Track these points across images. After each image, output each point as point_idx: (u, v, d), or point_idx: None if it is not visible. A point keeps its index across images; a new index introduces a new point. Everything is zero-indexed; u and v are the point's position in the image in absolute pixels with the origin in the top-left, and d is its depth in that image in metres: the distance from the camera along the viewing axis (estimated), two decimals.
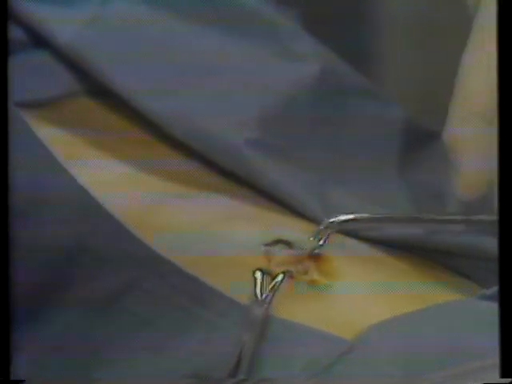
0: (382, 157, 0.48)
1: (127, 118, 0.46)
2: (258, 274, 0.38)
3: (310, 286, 0.39)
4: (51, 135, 0.44)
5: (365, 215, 0.42)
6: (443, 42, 0.75)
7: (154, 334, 0.39)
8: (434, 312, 0.38)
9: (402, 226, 0.43)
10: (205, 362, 0.37)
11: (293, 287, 0.39)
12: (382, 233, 0.43)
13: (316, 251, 0.40)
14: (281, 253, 0.39)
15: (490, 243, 0.43)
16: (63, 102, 0.47)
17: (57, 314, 0.39)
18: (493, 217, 0.42)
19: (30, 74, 0.45)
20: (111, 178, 0.45)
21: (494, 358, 0.34)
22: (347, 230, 0.42)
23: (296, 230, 0.41)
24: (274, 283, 0.38)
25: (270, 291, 0.38)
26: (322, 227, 0.41)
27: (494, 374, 0.34)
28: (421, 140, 0.50)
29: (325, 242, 0.40)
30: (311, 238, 0.40)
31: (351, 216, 0.41)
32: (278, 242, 0.40)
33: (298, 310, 0.39)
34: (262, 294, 0.38)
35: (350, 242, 0.42)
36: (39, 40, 0.47)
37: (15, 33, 0.46)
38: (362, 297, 0.40)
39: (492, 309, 0.38)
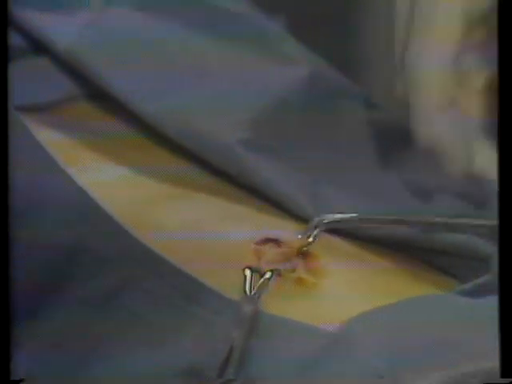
0: (369, 156, 0.49)
1: (124, 122, 0.47)
2: (248, 272, 0.38)
3: (297, 283, 0.41)
4: (50, 138, 0.44)
5: (353, 215, 0.42)
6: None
7: (150, 331, 0.40)
8: (413, 304, 0.38)
9: (389, 226, 0.44)
10: (200, 359, 0.38)
11: (281, 284, 0.40)
12: (370, 232, 0.43)
13: (304, 249, 0.41)
14: (270, 251, 0.40)
15: (475, 243, 0.43)
16: (62, 106, 0.47)
17: (56, 312, 0.40)
18: (479, 220, 0.44)
19: (29, 79, 0.46)
20: (109, 180, 0.45)
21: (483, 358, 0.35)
22: (336, 229, 0.43)
23: (286, 229, 0.42)
24: (262, 281, 0.38)
25: (258, 288, 0.38)
26: (310, 226, 0.41)
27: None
28: (406, 139, 0.51)
29: (314, 240, 0.41)
30: (300, 236, 0.41)
31: (339, 215, 0.42)
32: (267, 240, 0.41)
33: (286, 305, 0.40)
34: (251, 291, 0.39)
35: (339, 240, 0.43)
36: (39, 46, 0.48)
37: (16, 39, 0.47)
38: (347, 293, 0.42)
39: (470, 304, 0.39)
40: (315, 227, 0.41)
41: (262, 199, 0.44)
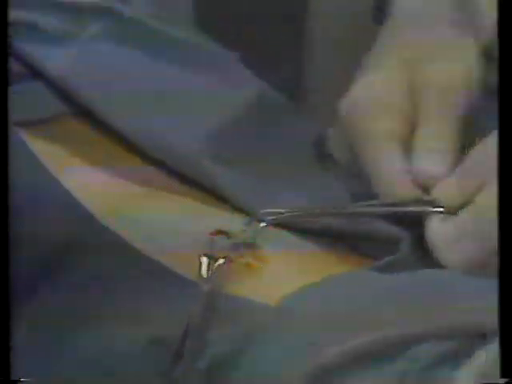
0: (307, 162, 0.56)
1: (103, 134, 0.53)
2: (204, 259, 0.45)
3: (245, 267, 0.47)
4: (43, 148, 0.51)
5: (289, 210, 0.48)
6: None
7: (127, 309, 0.46)
8: (338, 280, 0.44)
9: (321, 218, 0.49)
10: (165, 331, 0.44)
11: (232, 268, 0.46)
12: (306, 223, 0.49)
13: (250, 239, 0.48)
14: (222, 241, 0.47)
15: (389, 228, 0.48)
16: (53, 122, 0.54)
17: (48, 295, 0.46)
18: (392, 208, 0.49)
19: (26, 99, 0.53)
20: (91, 182, 0.52)
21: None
22: (278, 222, 0.49)
23: (236, 222, 0.48)
24: (216, 265, 0.45)
25: (213, 272, 0.45)
26: (256, 220, 0.48)
27: None
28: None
29: (258, 231, 0.47)
30: (244, 229, 0.47)
31: (278, 211, 0.48)
32: (220, 232, 0.47)
33: (236, 286, 0.46)
34: (207, 275, 0.46)
35: (280, 231, 0.49)
36: (35, 73, 0.54)
37: (15, 66, 0.53)
38: (286, 274, 0.47)
39: (382, 277, 0.45)
40: (260, 221, 0.48)
41: (217, 198, 0.50)
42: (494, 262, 0.42)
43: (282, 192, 0.50)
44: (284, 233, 0.48)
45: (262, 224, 0.46)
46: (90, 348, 0.44)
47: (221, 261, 0.45)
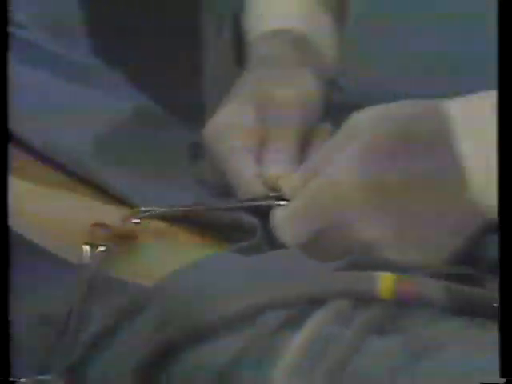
0: (182, 165, 0.62)
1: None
2: (87, 246, 0.51)
3: (124, 253, 0.53)
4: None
5: (166, 206, 0.55)
6: None
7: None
8: (207, 261, 0.51)
9: (193, 212, 0.56)
10: (52, 309, 0.50)
11: (113, 254, 0.52)
12: (181, 217, 0.56)
13: (129, 229, 0.53)
14: (103, 231, 0.52)
15: (247, 219, 0.56)
16: None
17: None
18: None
19: None
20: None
21: None
22: (155, 217, 0.55)
23: (118, 215, 0.54)
24: (97, 251, 0.50)
25: (95, 257, 0.51)
26: (134, 213, 0.54)
27: None
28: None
29: (136, 223, 0.53)
30: (124, 221, 0.53)
31: (154, 208, 0.54)
32: (101, 224, 0.52)
33: (116, 270, 0.51)
34: (90, 260, 0.51)
35: (157, 223, 0.55)
36: None
37: None
38: (162, 259, 0.53)
39: (243, 259, 0.51)
40: (137, 214, 0.54)
41: (103, 194, 0.57)
42: (325, 240, 0.51)
43: (160, 190, 0.57)
44: (162, 224, 0.55)
45: (138, 219, 0.52)
46: None
47: (101, 248, 0.50)
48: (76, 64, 0.64)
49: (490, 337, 0.43)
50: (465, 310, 0.45)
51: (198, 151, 0.60)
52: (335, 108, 0.58)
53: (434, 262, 0.50)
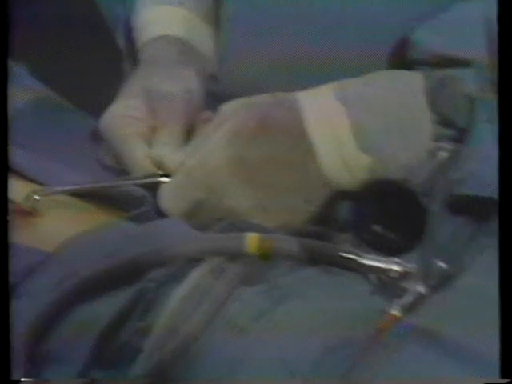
0: (83, 148, 0.68)
1: None
2: None
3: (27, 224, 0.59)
4: None
5: (69, 184, 0.61)
6: None
7: None
8: (101, 228, 0.57)
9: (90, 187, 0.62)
10: None
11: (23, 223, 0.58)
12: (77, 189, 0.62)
13: (33, 204, 0.59)
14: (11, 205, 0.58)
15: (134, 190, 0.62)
16: None
17: None
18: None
19: None
20: None
21: None
22: (57, 192, 0.61)
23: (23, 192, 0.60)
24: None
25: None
26: (36, 190, 0.60)
27: None
28: None
29: (36, 199, 0.59)
30: (29, 197, 0.59)
31: (54, 185, 0.61)
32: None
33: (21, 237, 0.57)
34: None
35: (66, 198, 0.61)
36: None
37: None
38: (62, 228, 0.59)
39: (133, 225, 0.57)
40: (42, 192, 0.60)
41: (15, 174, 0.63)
42: (201, 210, 0.59)
43: (63, 171, 0.63)
44: (64, 200, 0.61)
45: (41, 196, 0.59)
46: None
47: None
48: None
49: (337, 280, 0.52)
50: (317, 260, 0.53)
51: (97, 137, 0.66)
52: (214, 98, 0.66)
53: (293, 224, 0.58)
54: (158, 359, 0.48)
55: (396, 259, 0.50)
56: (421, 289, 0.48)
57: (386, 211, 0.52)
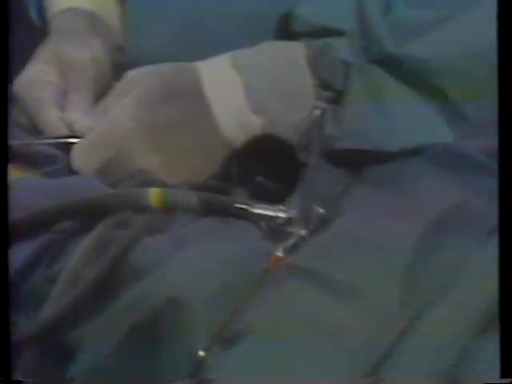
0: None
1: None
2: None
3: None
4: None
5: None
6: None
7: None
8: None
9: None
10: None
11: None
12: None
13: None
14: None
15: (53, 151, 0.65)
16: None
17: None
18: None
19: None
20: None
21: None
22: None
23: None
24: None
25: None
26: None
27: None
28: None
29: None
30: None
31: None
32: None
33: None
34: None
35: None
36: None
37: None
38: None
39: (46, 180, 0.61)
40: None
41: None
42: (112, 168, 0.62)
43: None
44: None
45: None
46: None
47: None
48: None
49: (231, 228, 0.56)
50: (213, 211, 0.58)
51: (12, 99, 0.68)
52: (122, 69, 0.69)
53: (196, 179, 0.62)
54: (64, 304, 0.52)
55: (281, 207, 0.56)
56: (302, 232, 0.54)
57: (267, 164, 0.57)
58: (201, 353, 0.48)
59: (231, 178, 0.62)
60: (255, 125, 0.59)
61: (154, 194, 0.57)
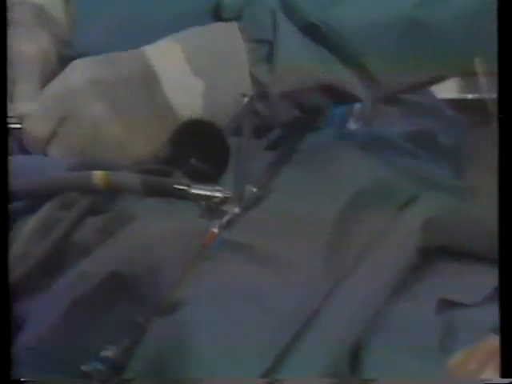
0: None
1: None
2: None
3: None
4: None
5: None
6: None
7: None
8: None
9: None
10: None
11: None
12: None
13: None
14: None
15: None
16: None
17: None
18: None
19: None
20: None
21: None
22: None
23: None
24: None
25: None
26: None
27: None
28: None
29: None
30: None
31: None
32: None
33: None
34: None
35: None
36: None
37: None
38: None
39: None
40: None
41: None
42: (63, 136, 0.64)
43: None
44: None
45: None
46: None
47: None
48: None
49: (172, 207, 0.59)
50: (156, 192, 0.60)
51: None
52: (67, 60, 0.71)
53: (145, 157, 0.63)
54: (11, 280, 0.54)
55: (218, 187, 0.58)
56: (236, 210, 0.57)
57: (199, 148, 0.59)
58: (139, 320, 0.52)
59: (167, 161, 0.65)
60: (198, 87, 0.62)
61: (98, 177, 0.59)
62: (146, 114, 0.63)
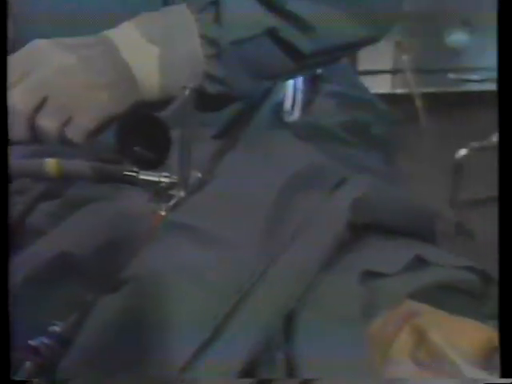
0: None
1: None
2: None
3: None
4: None
5: None
6: None
7: None
8: None
9: None
10: None
11: None
12: None
13: None
14: None
15: None
16: None
17: None
18: None
19: None
20: None
21: None
22: None
23: None
24: None
25: None
26: None
27: None
28: None
29: None
30: None
31: None
32: None
33: None
34: None
35: None
36: None
37: None
38: None
39: None
40: None
41: None
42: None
43: None
44: None
45: None
46: None
47: None
48: None
49: (122, 192, 0.60)
50: (106, 179, 0.62)
51: None
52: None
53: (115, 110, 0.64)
54: None
55: (165, 173, 0.60)
56: (182, 194, 0.59)
57: (142, 136, 0.61)
58: (87, 298, 0.54)
59: (115, 151, 0.67)
60: (153, 52, 0.64)
61: (49, 165, 0.61)
62: (108, 72, 0.64)
